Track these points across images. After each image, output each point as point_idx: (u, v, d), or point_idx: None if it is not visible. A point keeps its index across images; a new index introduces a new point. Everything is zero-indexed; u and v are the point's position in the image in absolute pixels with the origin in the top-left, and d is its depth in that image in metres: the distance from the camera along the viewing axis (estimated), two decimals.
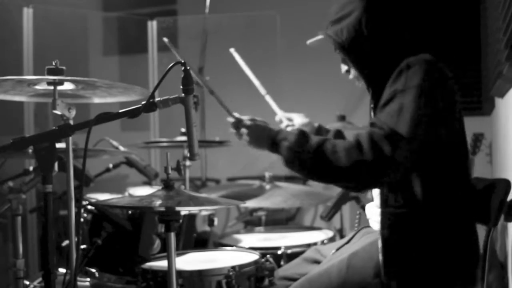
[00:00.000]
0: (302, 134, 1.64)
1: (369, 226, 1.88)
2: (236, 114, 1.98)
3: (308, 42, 1.93)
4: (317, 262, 1.90)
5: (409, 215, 1.60)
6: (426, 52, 1.69)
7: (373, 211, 1.82)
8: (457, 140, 1.66)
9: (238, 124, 1.91)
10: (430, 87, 1.57)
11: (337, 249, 1.86)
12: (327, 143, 1.58)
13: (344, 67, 1.86)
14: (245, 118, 1.92)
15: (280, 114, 2.46)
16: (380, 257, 1.61)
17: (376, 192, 1.79)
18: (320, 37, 1.86)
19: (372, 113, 1.76)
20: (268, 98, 2.54)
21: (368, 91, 1.77)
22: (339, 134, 2.21)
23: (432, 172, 1.61)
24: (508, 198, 1.74)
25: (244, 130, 1.86)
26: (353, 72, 1.83)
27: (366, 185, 1.62)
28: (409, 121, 1.51)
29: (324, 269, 1.71)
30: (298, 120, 2.36)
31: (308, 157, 1.59)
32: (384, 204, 1.64)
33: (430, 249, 1.61)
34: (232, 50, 2.67)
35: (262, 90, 2.54)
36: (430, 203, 1.59)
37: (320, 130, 2.29)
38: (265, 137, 1.75)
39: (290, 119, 2.39)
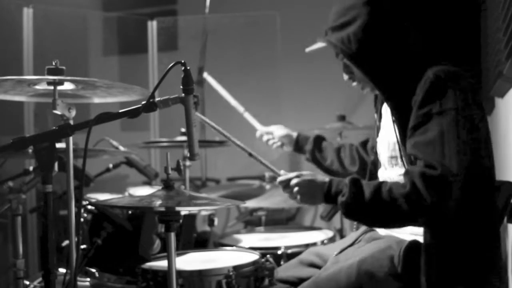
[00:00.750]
0: (354, 184, 1.60)
1: (373, 230, 1.86)
2: (282, 172, 1.86)
3: (307, 50, 1.88)
4: (314, 265, 1.88)
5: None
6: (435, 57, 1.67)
7: None
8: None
9: (287, 183, 1.78)
10: (467, 107, 1.55)
11: (341, 251, 1.82)
12: (383, 191, 1.55)
13: (346, 76, 1.82)
14: (292, 176, 1.78)
15: (260, 129, 2.42)
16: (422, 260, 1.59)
17: None
18: (321, 44, 1.79)
19: (395, 127, 1.69)
20: (247, 115, 2.50)
21: (386, 103, 1.71)
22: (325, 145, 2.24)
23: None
24: None
25: (295, 189, 1.75)
26: (358, 80, 1.79)
27: (432, 221, 1.58)
28: (456, 154, 1.50)
29: (332, 273, 1.68)
30: (278, 132, 2.34)
31: (367, 210, 1.58)
32: None
33: (461, 254, 1.59)
34: (205, 74, 2.65)
35: (240, 108, 2.50)
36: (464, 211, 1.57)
37: (299, 140, 2.29)
38: (318, 193, 1.69)
39: (270, 133, 2.37)
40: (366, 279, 1.62)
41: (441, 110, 1.55)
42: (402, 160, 1.69)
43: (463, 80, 1.60)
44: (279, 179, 1.81)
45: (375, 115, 1.95)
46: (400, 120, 1.65)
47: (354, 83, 1.82)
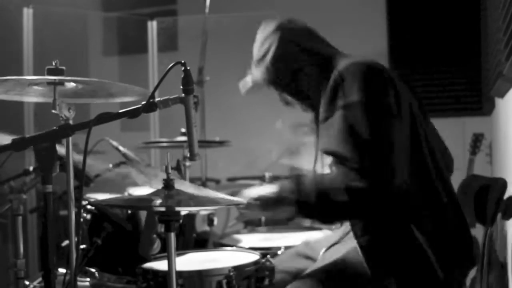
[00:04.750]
0: (296, 182, 1.65)
1: None
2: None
3: (243, 92, 1.96)
4: (309, 257, 1.91)
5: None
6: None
7: None
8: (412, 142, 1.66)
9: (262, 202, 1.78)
10: (372, 98, 1.59)
11: (327, 248, 1.86)
12: (318, 183, 1.61)
13: (284, 103, 1.90)
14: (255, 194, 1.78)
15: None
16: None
17: None
18: (250, 84, 1.90)
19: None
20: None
21: (312, 114, 1.82)
22: None
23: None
24: (505, 196, 1.74)
25: (256, 206, 1.76)
26: (294, 104, 1.88)
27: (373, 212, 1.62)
28: (360, 147, 1.54)
29: (316, 271, 1.72)
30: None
31: (313, 208, 1.63)
32: None
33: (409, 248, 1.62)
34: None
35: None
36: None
37: None
38: (274, 200, 1.72)
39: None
40: (346, 275, 1.66)
41: (345, 103, 1.59)
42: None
43: (370, 72, 1.63)
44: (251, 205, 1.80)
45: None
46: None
47: (294, 106, 1.90)
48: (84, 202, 2.04)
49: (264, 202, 1.74)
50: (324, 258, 1.80)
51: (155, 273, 1.73)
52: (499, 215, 1.82)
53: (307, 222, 2.92)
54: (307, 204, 1.63)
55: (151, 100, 1.44)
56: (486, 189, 1.68)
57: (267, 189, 1.76)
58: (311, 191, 1.62)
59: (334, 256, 1.73)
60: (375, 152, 1.54)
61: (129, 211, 2.04)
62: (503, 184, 1.70)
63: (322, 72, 1.72)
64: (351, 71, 1.62)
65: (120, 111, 1.45)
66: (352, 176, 1.53)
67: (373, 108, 1.57)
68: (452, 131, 3.29)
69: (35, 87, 1.68)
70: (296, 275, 1.83)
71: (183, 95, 1.44)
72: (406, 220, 1.62)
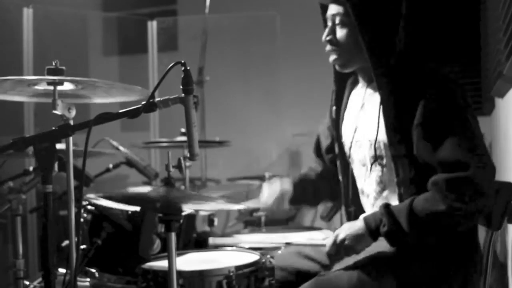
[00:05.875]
0: (388, 213, 1.60)
1: None
2: (325, 242, 1.77)
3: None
4: (312, 258, 1.89)
5: None
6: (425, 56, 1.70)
7: None
8: None
9: (335, 249, 1.71)
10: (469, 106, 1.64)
11: None
12: (417, 212, 1.56)
13: (329, 35, 1.78)
14: (332, 241, 1.71)
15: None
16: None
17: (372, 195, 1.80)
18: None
19: (381, 109, 1.68)
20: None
21: (376, 78, 1.67)
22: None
23: None
24: None
25: (344, 248, 1.69)
26: (338, 44, 1.76)
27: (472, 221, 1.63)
28: (479, 151, 1.56)
29: (334, 276, 1.67)
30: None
31: (410, 235, 1.58)
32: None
33: (431, 249, 1.63)
34: None
35: None
36: None
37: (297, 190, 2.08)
38: (362, 236, 1.66)
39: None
40: (367, 284, 1.63)
41: (451, 109, 1.59)
42: (391, 160, 1.68)
43: (459, 89, 1.65)
44: (328, 252, 1.75)
45: (332, 108, 1.95)
46: (393, 113, 1.64)
47: (328, 48, 1.79)
48: (84, 202, 2.04)
49: (353, 241, 1.67)
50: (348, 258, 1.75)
51: (155, 273, 1.73)
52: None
53: (307, 222, 2.92)
54: (399, 235, 1.59)
55: (151, 100, 1.44)
56: (494, 193, 1.68)
57: (352, 227, 1.69)
58: (404, 221, 1.57)
59: (351, 260, 1.70)
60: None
61: (129, 212, 2.04)
62: (510, 188, 1.70)
63: (406, 46, 1.67)
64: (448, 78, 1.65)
65: (120, 111, 1.45)
66: (460, 191, 1.52)
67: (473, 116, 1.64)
68: None
69: (35, 87, 1.68)
70: (295, 274, 1.81)
71: (183, 95, 1.44)
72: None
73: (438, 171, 1.57)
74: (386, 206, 1.62)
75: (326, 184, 2.09)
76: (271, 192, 2.05)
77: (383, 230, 1.61)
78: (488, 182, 1.54)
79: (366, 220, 1.66)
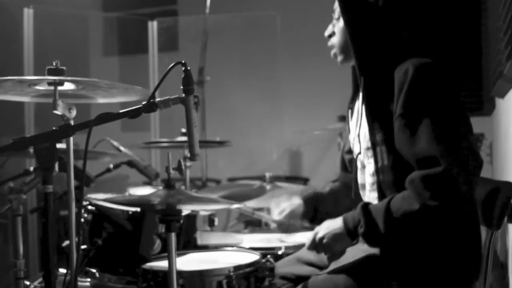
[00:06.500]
0: (365, 213, 1.59)
1: None
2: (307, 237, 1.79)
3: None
4: (312, 264, 1.88)
5: None
6: (427, 52, 1.67)
7: None
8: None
9: (314, 244, 1.73)
10: (450, 99, 1.57)
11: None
12: (393, 211, 1.54)
13: (330, 30, 1.80)
14: (312, 237, 1.73)
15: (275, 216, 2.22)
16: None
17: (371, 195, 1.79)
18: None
19: (363, 105, 1.68)
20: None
21: (358, 78, 1.69)
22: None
23: None
24: None
25: (323, 245, 1.71)
26: (336, 40, 1.77)
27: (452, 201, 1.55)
28: (455, 147, 1.51)
29: (330, 277, 1.67)
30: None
31: (386, 234, 1.56)
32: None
33: (430, 248, 1.61)
34: None
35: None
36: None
37: (311, 201, 2.11)
38: (341, 235, 1.66)
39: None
40: (363, 282, 1.62)
41: (423, 104, 1.54)
42: (373, 149, 1.66)
43: (443, 73, 1.61)
44: (307, 246, 1.77)
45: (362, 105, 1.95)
46: (373, 100, 1.63)
47: (330, 43, 1.80)
48: (84, 202, 2.04)
49: (331, 240, 1.68)
50: (346, 257, 1.75)
51: (156, 273, 1.73)
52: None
53: (307, 222, 2.92)
54: (376, 235, 1.58)
55: (151, 100, 1.44)
56: (495, 192, 1.67)
57: (331, 226, 1.69)
58: (380, 222, 1.55)
59: (348, 259, 1.69)
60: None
61: (129, 212, 2.04)
62: (511, 188, 1.69)
63: (397, 46, 1.65)
64: (424, 69, 1.59)
65: (121, 111, 1.45)
66: (432, 188, 1.47)
67: (454, 110, 1.60)
68: None
69: (36, 87, 1.68)
70: (296, 281, 1.80)
71: (183, 95, 1.44)
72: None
73: (415, 168, 1.54)
74: (365, 206, 1.61)
75: (343, 195, 2.07)
76: (281, 209, 2.08)
77: (360, 231, 1.60)
78: (466, 177, 1.47)
79: (345, 219, 1.66)
